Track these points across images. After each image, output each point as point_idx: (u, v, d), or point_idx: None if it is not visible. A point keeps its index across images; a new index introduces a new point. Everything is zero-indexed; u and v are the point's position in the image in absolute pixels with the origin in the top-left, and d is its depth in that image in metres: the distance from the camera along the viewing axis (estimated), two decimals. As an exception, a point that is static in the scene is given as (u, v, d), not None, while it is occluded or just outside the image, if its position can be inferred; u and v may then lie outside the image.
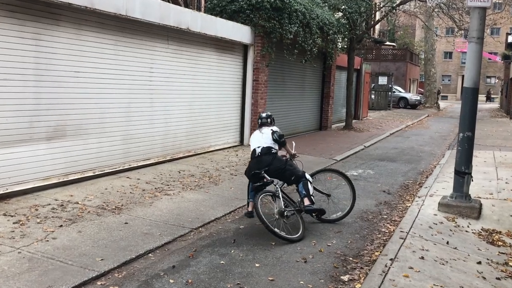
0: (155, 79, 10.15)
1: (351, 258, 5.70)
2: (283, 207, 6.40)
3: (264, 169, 6.56)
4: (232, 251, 5.72)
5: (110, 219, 6.51)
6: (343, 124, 20.96)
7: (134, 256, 5.34)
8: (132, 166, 9.55)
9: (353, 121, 21.54)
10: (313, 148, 14.27)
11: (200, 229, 6.47)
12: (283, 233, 6.10)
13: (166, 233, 6.13)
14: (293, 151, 7.09)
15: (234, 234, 6.35)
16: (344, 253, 5.86)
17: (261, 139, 6.85)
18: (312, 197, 6.64)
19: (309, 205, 6.56)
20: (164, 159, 10.49)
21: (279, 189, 6.56)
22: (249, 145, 7.25)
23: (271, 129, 6.96)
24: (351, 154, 13.79)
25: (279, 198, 6.48)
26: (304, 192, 6.61)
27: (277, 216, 6.30)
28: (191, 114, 11.47)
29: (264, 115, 7.17)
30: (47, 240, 5.58)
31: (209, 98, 12.14)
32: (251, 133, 13.71)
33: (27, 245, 5.41)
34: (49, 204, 6.94)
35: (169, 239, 5.94)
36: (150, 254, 5.50)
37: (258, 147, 6.80)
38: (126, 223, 6.38)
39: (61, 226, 6.07)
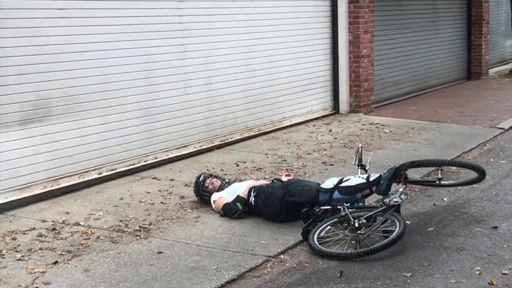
0: (187, 19, 10.20)
1: (548, 295, 5.57)
2: (351, 219, 6.74)
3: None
4: (340, 291, 5.69)
5: (133, 247, 6.59)
6: (510, 66, 20.42)
7: (177, 307, 5.40)
8: (159, 159, 9.67)
9: (526, 60, 21.02)
10: (460, 110, 14.21)
11: (282, 256, 6.47)
12: (362, 250, 6.45)
13: (227, 265, 6.15)
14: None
15: (338, 263, 6.30)
16: (535, 286, 5.74)
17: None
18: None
19: (381, 187, 7.14)
20: (210, 145, 10.59)
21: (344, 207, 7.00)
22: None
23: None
24: (529, 117, 13.58)
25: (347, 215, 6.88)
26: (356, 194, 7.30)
27: (348, 234, 6.70)
28: (249, 70, 11.48)
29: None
30: (36, 287, 5.67)
31: (278, 41, 12.11)
32: (350, 93, 13.62)
33: (5, 296, 5.54)
34: (34, 228, 7.08)
35: (232, 275, 5.95)
36: (203, 302, 5.55)
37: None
38: (159, 252, 6.45)
39: (55, 262, 6.17)
